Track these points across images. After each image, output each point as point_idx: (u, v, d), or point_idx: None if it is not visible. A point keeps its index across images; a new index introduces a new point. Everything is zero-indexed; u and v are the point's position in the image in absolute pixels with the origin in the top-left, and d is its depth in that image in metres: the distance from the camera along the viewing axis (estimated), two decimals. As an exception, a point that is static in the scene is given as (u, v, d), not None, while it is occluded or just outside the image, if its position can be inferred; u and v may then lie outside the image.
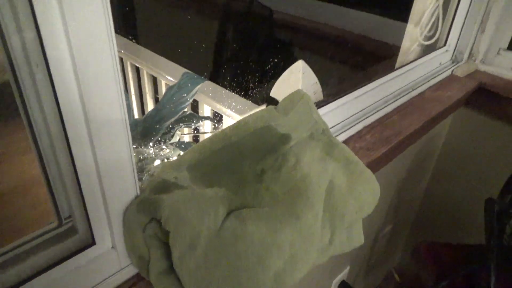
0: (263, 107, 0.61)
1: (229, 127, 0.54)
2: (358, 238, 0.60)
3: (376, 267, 1.35)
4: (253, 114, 0.57)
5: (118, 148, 0.38)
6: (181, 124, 1.01)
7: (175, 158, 0.83)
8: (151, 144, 0.91)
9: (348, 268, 1.07)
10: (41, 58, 0.33)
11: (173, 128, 1.00)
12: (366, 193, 0.58)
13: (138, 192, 0.43)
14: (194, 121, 1.02)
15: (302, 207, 0.50)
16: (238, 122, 0.55)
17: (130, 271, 0.46)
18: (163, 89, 1.41)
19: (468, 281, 0.74)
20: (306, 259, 0.49)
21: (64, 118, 0.35)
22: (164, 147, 0.86)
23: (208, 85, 1.21)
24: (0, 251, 0.40)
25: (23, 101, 0.36)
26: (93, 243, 0.42)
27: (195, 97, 1.12)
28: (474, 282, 0.73)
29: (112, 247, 0.44)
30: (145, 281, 0.45)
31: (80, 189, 0.39)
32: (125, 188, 0.41)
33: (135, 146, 0.88)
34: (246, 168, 0.54)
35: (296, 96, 0.60)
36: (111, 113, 0.36)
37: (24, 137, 0.42)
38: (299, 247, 0.48)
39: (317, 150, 0.59)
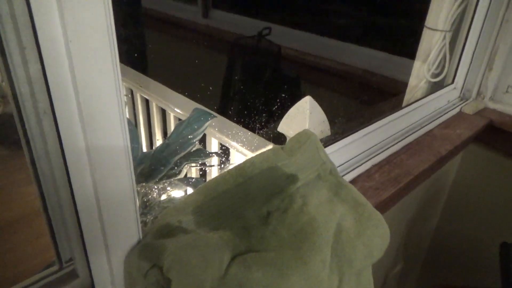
0: (270, 146, 0.61)
1: (235, 168, 0.53)
2: (367, 284, 0.58)
3: (386, 308, 1.30)
4: (259, 154, 0.57)
5: (120, 184, 0.37)
6: (189, 160, 1.01)
7: (180, 195, 0.82)
8: (157, 179, 0.90)
9: (357, 310, 1.03)
10: (46, 100, 0.33)
11: (180, 163, 0.99)
12: (375, 237, 0.56)
13: (141, 236, 0.42)
14: (202, 156, 1.02)
15: (309, 252, 0.49)
16: (244, 163, 0.54)
17: (131, 318, 0.44)
18: (171, 122, 1.42)
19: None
20: (313, 309, 0.47)
21: (65, 149, 0.34)
22: (169, 188, 0.86)
23: (216, 118, 1.22)
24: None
25: (25, 134, 0.36)
26: (92, 286, 0.41)
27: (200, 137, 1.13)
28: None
29: (113, 293, 0.42)
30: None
31: (81, 231, 0.39)
32: (127, 231, 0.40)
33: (139, 189, 0.87)
34: (251, 211, 0.53)
35: (303, 136, 0.60)
36: (113, 147, 0.36)
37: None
38: (307, 295, 0.46)
39: (324, 191, 0.58)
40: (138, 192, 0.84)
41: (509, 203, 1.12)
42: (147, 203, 0.73)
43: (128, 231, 0.40)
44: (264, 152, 0.57)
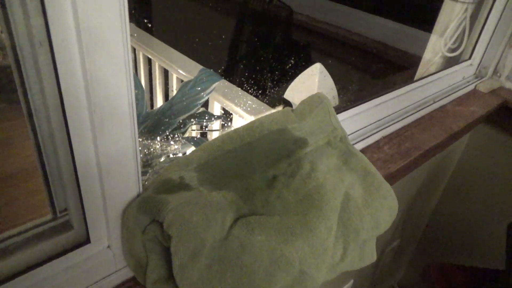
0: (279, 108, 0.58)
1: (243, 127, 0.50)
2: (370, 256, 0.56)
3: (380, 282, 1.31)
4: (268, 115, 0.54)
5: (123, 138, 0.35)
6: (192, 120, 0.98)
7: (182, 154, 0.79)
8: (158, 138, 0.88)
9: (351, 282, 1.03)
10: (45, 36, 0.30)
11: (184, 124, 0.96)
12: (383, 209, 0.54)
13: (141, 190, 0.39)
14: (207, 119, 0.99)
15: (316, 219, 0.47)
16: (252, 123, 0.51)
17: (126, 273, 0.42)
18: (174, 83, 1.38)
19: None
20: (316, 277, 0.46)
21: (66, 103, 0.31)
22: (172, 142, 0.83)
23: (221, 82, 1.18)
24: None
25: (23, 84, 0.33)
26: (88, 241, 0.39)
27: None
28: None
29: (108, 247, 0.40)
30: (141, 286, 0.42)
31: (77, 180, 0.36)
32: (126, 184, 0.37)
33: (140, 140, 0.85)
34: (257, 173, 0.50)
35: (316, 100, 0.57)
36: (117, 100, 0.33)
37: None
38: (310, 263, 0.45)
39: (333, 159, 0.56)
40: (153, 154, 0.82)
41: (514, 186, 1.10)
42: (149, 159, 0.71)
43: (127, 183, 0.37)
44: (274, 113, 0.54)
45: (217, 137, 0.49)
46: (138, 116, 0.90)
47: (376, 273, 1.20)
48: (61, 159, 0.36)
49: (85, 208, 0.37)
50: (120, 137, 0.34)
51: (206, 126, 1.18)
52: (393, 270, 1.36)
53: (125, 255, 0.41)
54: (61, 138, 0.34)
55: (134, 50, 1.51)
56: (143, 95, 0.92)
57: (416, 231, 1.32)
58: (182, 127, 0.93)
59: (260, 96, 1.15)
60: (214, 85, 1.02)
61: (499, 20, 1.02)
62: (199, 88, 1.04)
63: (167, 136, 0.91)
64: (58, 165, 0.37)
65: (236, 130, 0.50)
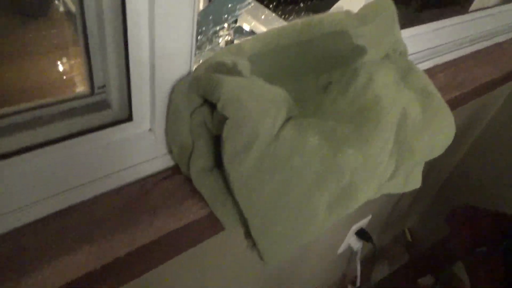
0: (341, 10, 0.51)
1: (301, 22, 0.44)
2: (416, 181, 0.53)
3: (393, 224, 1.31)
4: (329, 14, 0.47)
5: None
6: (227, 35, 0.92)
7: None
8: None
9: (369, 217, 1.02)
10: None
11: (217, 36, 0.91)
12: (441, 133, 0.49)
13: (192, 68, 0.35)
14: (239, 35, 0.93)
15: (372, 131, 0.42)
16: (311, 19, 0.45)
17: (167, 161, 0.39)
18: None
19: (509, 257, 0.68)
20: (364, 190, 0.42)
21: None
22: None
23: (252, 4, 1.10)
24: (13, 110, 0.34)
25: None
26: (129, 118, 0.35)
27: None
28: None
29: (150, 130, 0.37)
30: (181, 175, 0.39)
31: (126, 47, 0.31)
32: (180, 57, 0.33)
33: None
34: (311, 76, 0.46)
35: (382, 5, 0.50)
36: None
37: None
38: (361, 176, 0.41)
39: (392, 72, 0.50)
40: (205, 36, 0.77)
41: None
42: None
43: (180, 57, 0.33)
44: (334, 13, 0.48)
45: (272, 29, 0.43)
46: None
47: (393, 213, 1.19)
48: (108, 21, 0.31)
49: (131, 81, 0.33)
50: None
51: (233, 42, 1.11)
52: (409, 213, 1.35)
53: (168, 140, 0.37)
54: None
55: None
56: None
57: (440, 176, 1.29)
58: (214, 39, 0.88)
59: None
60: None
61: None
62: (234, 2, 0.96)
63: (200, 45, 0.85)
64: (102, 31, 0.32)
65: (293, 24, 0.44)
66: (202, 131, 0.35)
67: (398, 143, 0.46)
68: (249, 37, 0.42)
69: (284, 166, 0.36)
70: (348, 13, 0.48)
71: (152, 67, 0.33)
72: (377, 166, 0.43)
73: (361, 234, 1.02)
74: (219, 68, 0.35)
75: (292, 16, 1.16)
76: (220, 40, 0.91)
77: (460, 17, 0.79)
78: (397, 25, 0.52)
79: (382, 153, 0.43)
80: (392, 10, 0.51)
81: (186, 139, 0.35)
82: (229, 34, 0.92)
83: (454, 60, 0.73)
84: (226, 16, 0.84)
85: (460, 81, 0.66)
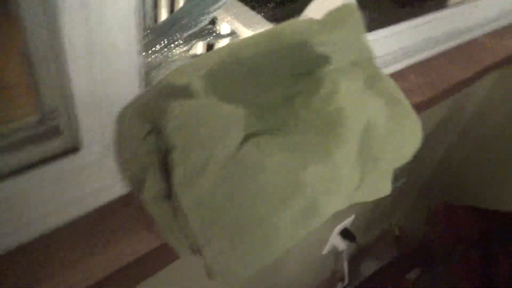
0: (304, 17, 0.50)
1: (260, 34, 0.44)
2: (385, 188, 0.52)
3: (379, 220, 1.31)
4: (290, 23, 0.46)
5: (120, 19, 0.28)
6: (200, 38, 0.90)
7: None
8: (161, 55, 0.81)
9: (353, 216, 1.02)
10: None
11: (190, 40, 0.89)
12: (407, 139, 0.49)
13: (141, 91, 0.34)
14: (214, 36, 0.91)
15: (334, 144, 0.42)
16: (271, 30, 0.44)
17: (122, 188, 0.38)
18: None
19: (487, 253, 0.68)
20: (329, 205, 0.42)
21: None
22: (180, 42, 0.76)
23: (231, 2, 1.08)
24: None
25: None
26: (78, 148, 0.34)
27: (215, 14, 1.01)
28: (493, 254, 0.67)
29: (102, 157, 0.36)
30: (139, 201, 0.38)
31: (67, 73, 0.30)
32: (124, 81, 0.32)
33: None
34: (273, 88, 0.45)
35: (346, 12, 0.49)
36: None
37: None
38: (325, 189, 0.41)
39: (358, 81, 0.49)
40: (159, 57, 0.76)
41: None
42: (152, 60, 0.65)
43: (127, 81, 0.32)
44: (297, 21, 0.47)
45: (230, 43, 0.42)
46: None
47: (377, 210, 1.20)
48: (52, 45, 0.30)
49: (76, 109, 0.32)
50: (117, 19, 0.28)
51: (212, 45, 1.10)
52: (394, 210, 1.36)
53: (121, 167, 0.36)
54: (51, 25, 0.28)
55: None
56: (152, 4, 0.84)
57: (424, 172, 1.29)
58: (187, 42, 0.86)
59: (274, 21, 1.05)
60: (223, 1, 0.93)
61: None
62: (206, 4, 0.94)
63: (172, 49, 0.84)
64: (46, 56, 0.31)
65: (252, 36, 0.43)
66: (153, 158, 0.34)
67: (362, 154, 0.45)
68: (206, 53, 0.41)
69: (245, 186, 0.36)
70: (311, 21, 0.47)
71: (97, 92, 0.31)
72: (342, 178, 0.42)
73: (345, 234, 1.02)
74: (170, 91, 0.34)
75: (273, 15, 1.15)
76: (192, 46, 0.89)
77: (434, 14, 0.78)
78: (363, 31, 0.51)
79: (346, 166, 0.42)
80: (356, 16, 0.50)
81: (138, 165, 0.34)
82: (202, 39, 0.90)
83: (428, 59, 0.72)
84: (194, 22, 0.83)
85: (431, 81, 0.65)
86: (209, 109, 0.35)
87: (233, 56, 0.41)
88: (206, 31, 0.93)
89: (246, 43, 0.42)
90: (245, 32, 1.10)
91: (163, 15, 1.33)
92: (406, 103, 0.50)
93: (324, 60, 0.47)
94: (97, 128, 0.34)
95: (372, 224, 1.28)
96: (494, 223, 0.74)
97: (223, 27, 1.18)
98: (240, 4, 1.12)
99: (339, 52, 0.48)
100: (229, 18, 1.16)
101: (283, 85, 0.46)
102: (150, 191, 0.34)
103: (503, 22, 0.93)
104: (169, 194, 0.36)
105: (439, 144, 1.20)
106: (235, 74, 0.42)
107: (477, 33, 0.86)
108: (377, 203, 1.16)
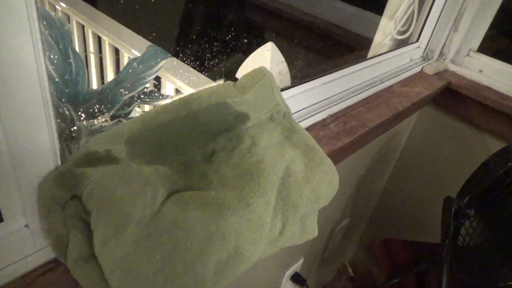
0: (220, 82, 0.56)
1: (179, 99, 0.48)
2: (311, 231, 0.56)
3: (330, 260, 1.34)
4: (208, 88, 0.52)
5: (30, 104, 0.32)
6: (139, 100, 0.94)
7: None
8: (101, 118, 0.83)
9: (302, 260, 1.04)
10: None
11: (130, 103, 0.92)
12: (324, 183, 0.54)
13: (59, 163, 0.36)
14: (155, 98, 0.95)
15: (253, 194, 0.46)
16: (190, 95, 0.49)
17: (48, 254, 0.39)
18: (125, 61, 1.32)
19: (420, 280, 0.73)
20: (252, 251, 0.45)
21: None
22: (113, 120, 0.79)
23: (173, 61, 1.14)
24: None
25: None
26: (0, 219, 0.36)
27: (158, 74, 1.05)
28: (425, 281, 0.72)
29: (26, 226, 0.37)
30: (65, 266, 0.39)
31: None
32: (40, 155, 0.34)
33: (82, 118, 0.80)
34: (194, 147, 0.49)
35: (258, 74, 0.55)
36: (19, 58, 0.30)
37: None
38: (246, 238, 0.44)
39: (275, 134, 0.55)
40: (80, 128, 0.77)
41: (458, 164, 1.15)
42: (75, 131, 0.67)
43: (41, 155, 0.34)
44: (213, 86, 0.52)
45: (151, 109, 0.47)
46: (78, 95, 0.85)
47: (326, 252, 1.23)
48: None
49: (-5, 183, 0.34)
50: (28, 103, 0.31)
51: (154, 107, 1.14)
52: (344, 248, 1.40)
53: (44, 234, 0.38)
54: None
55: (82, 27, 1.43)
56: (84, 71, 0.87)
57: (366, 210, 1.36)
58: (127, 107, 0.89)
59: (214, 77, 1.12)
60: (162, 63, 0.97)
61: (445, 4, 1.04)
62: (147, 65, 0.99)
63: (113, 116, 0.86)
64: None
65: (172, 102, 0.48)
66: (76, 222, 0.36)
67: (281, 201, 0.49)
68: (127, 120, 0.45)
69: (165, 242, 0.38)
70: (226, 85, 0.53)
71: (14, 166, 0.34)
72: (262, 226, 0.46)
73: (296, 278, 1.03)
74: (90, 159, 0.37)
75: (210, 70, 1.21)
76: (132, 108, 0.92)
77: (352, 67, 0.87)
78: (276, 90, 0.57)
79: (265, 213, 0.46)
80: (268, 77, 0.56)
81: (60, 231, 0.36)
82: (143, 102, 0.94)
83: (346, 108, 0.80)
84: (142, 79, 0.86)
85: (350, 128, 0.72)
86: (128, 172, 0.38)
87: (154, 121, 0.45)
88: (147, 93, 0.97)
89: (166, 108, 0.47)
90: (188, 90, 1.16)
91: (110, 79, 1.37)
92: (320, 151, 0.56)
93: (242, 117, 0.52)
94: (18, 199, 0.36)
95: (323, 266, 1.30)
96: (425, 253, 0.80)
97: (168, 86, 1.23)
98: (180, 62, 1.18)
99: (255, 110, 0.54)
100: (172, 77, 1.22)
101: (205, 142, 0.50)
102: (73, 253, 0.36)
103: (414, 71, 1.05)
104: (92, 256, 0.37)
105: (376, 182, 1.28)
106: (161, 136, 0.45)
107: (391, 82, 0.96)
108: (326, 243, 1.19)
